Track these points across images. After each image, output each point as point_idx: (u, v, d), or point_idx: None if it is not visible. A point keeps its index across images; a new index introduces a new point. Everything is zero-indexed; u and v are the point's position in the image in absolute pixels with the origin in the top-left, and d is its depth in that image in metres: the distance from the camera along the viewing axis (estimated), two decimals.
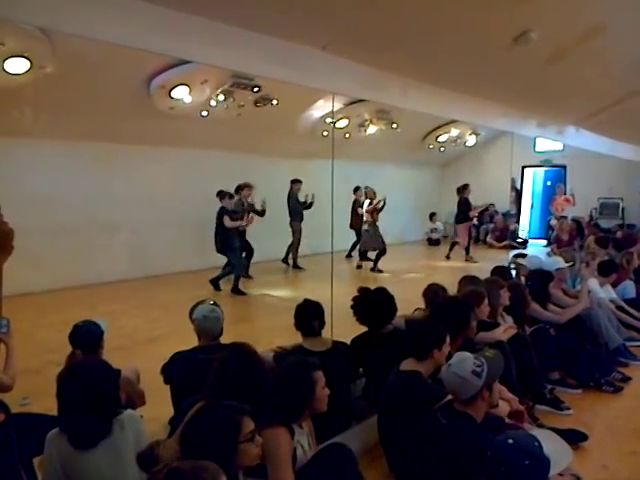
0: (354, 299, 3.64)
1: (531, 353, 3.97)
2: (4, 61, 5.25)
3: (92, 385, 2.17)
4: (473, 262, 9.90)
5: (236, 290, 7.65)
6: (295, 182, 9.35)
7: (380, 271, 9.48)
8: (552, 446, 2.22)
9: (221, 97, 7.17)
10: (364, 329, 3.64)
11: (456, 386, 2.51)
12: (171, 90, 6.75)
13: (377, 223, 9.66)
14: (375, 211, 9.63)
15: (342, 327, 3.73)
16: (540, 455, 1.96)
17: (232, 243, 7.78)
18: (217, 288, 7.68)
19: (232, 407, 1.97)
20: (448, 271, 9.43)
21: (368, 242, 9.67)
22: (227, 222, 7.65)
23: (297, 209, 9.31)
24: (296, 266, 9.48)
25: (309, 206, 9.25)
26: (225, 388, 2.35)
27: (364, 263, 9.83)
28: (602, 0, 3.48)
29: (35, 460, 2.41)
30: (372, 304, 3.59)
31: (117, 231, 8.07)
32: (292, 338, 3.47)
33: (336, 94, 5.43)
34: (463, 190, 10.32)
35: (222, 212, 7.73)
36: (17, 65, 5.34)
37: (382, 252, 9.57)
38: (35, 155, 7.10)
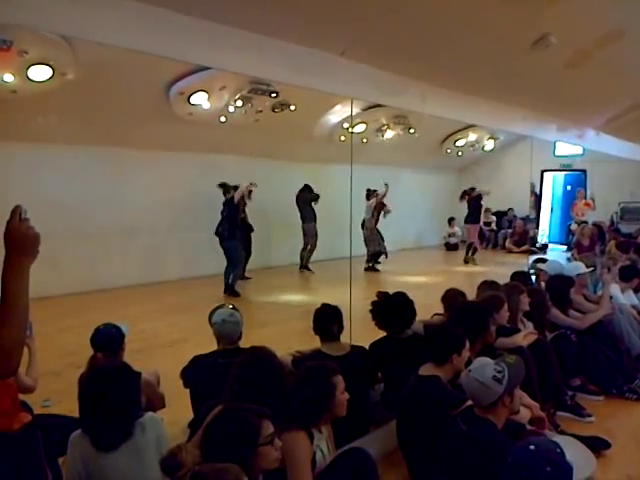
0: (373, 304, 3.62)
1: (552, 359, 3.92)
2: (28, 69, 5.36)
3: (114, 387, 2.19)
4: (473, 264, 9.92)
5: (231, 290, 7.68)
6: (308, 189, 9.42)
7: (376, 270, 9.72)
8: (575, 453, 2.19)
9: (239, 103, 7.22)
10: (382, 334, 3.62)
11: (476, 392, 2.49)
12: (190, 96, 6.82)
13: (377, 227, 9.91)
14: (379, 206, 9.76)
15: (359, 331, 3.72)
16: (563, 462, 1.92)
17: (234, 233, 7.86)
18: (235, 294, 7.69)
19: (251, 410, 1.98)
20: (466, 276, 9.39)
21: (368, 243, 9.83)
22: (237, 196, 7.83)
23: (307, 206, 9.35)
24: (305, 267, 9.52)
25: (316, 198, 9.28)
26: (244, 392, 2.36)
27: (381, 266, 9.91)
28: (621, 5, 3.45)
29: (59, 460, 2.44)
30: (391, 309, 3.57)
31: (134, 235, 8.14)
32: (309, 342, 3.47)
33: (355, 99, 5.44)
34: (470, 192, 10.58)
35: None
36: (40, 72, 5.45)
37: (379, 254, 9.85)
38: (56, 160, 7.22)
